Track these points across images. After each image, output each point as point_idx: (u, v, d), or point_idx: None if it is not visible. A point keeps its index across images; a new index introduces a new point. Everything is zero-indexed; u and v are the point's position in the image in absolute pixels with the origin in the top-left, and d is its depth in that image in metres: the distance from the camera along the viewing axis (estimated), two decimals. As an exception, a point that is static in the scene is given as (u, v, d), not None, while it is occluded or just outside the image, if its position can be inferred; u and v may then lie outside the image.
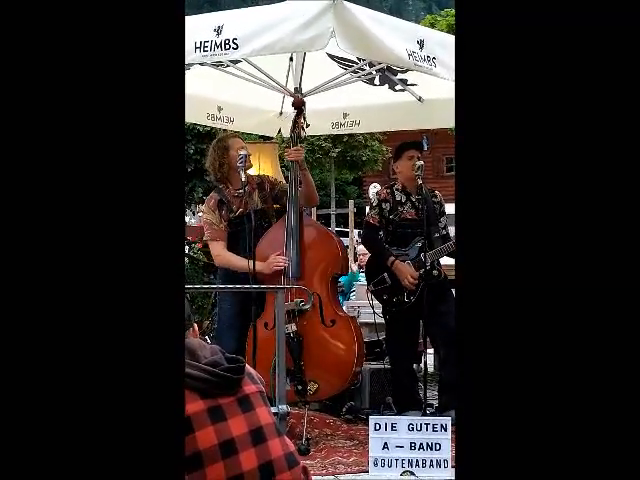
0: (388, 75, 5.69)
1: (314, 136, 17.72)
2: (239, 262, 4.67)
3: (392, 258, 4.93)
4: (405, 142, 5.19)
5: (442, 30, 20.76)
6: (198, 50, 4.05)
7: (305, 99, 5.44)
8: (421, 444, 3.90)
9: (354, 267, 9.08)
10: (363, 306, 5.95)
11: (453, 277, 4.93)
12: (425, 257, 4.76)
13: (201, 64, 4.82)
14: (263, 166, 6.05)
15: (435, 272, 4.94)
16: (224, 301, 4.98)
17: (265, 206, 4.89)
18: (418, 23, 16.94)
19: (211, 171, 4.92)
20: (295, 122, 4.79)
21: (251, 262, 4.47)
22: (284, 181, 5.10)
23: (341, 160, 24.12)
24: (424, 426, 3.92)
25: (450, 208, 4.94)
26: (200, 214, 4.99)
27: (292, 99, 5.03)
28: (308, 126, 4.86)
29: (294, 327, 4.57)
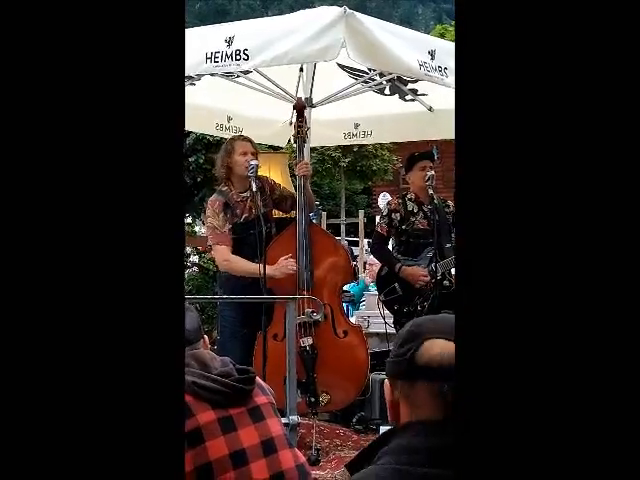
0: (398, 85, 5.70)
1: (324, 146, 17.72)
2: (249, 266, 4.45)
3: (399, 265, 4.92)
4: (416, 152, 5.19)
5: (452, 40, 20.76)
6: (209, 61, 4.06)
7: (316, 109, 5.46)
8: (431, 455, 3.87)
9: (368, 279, 9.06)
10: (373, 316, 5.95)
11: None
12: (436, 267, 4.75)
13: (211, 75, 4.84)
14: (273, 176, 6.06)
15: (446, 282, 4.93)
16: (227, 309, 4.74)
17: (267, 210, 4.69)
18: (428, 33, 17.00)
19: (216, 170, 4.77)
20: (298, 126, 4.70)
21: (262, 267, 4.31)
22: (293, 190, 5.02)
23: (351, 170, 24.15)
24: (434, 437, 3.89)
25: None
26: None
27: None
28: (308, 129, 4.80)
29: (310, 340, 4.49)
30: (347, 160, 23.44)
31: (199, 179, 9.63)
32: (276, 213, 5.06)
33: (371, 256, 8.35)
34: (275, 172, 6.29)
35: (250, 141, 4.76)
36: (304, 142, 4.73)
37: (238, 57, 3.97)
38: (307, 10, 4.37)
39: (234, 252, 4.58)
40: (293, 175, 5.02)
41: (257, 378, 2.15)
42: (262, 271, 4.30)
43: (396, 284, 4.97)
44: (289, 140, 6.21)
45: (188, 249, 8.99)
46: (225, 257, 4.60)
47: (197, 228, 11.51)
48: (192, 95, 5.04)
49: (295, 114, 4.73)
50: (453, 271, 5.03)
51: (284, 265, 4.49)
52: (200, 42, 4.08)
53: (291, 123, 5.97)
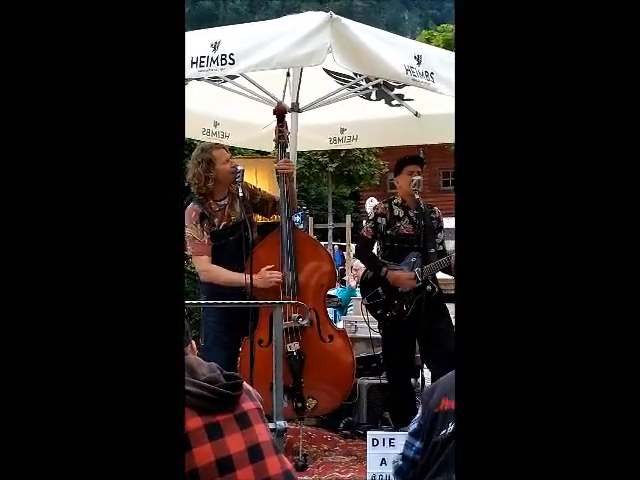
0: (384, 90, 5.71)
1: (311, 151, 17.73)
2: (230, 276, 4.45)
3: (385, 269, 4.91)
4: (405, 157, 5.18)
5: (438, 45, 20.89)
6: (195, 65, 4.06)
7: (303, 114, 5.46)
8: (419, 460, 3.87)
9: (352, 282, 9.05)
10: (360, 321, 5.93)
11: (450, 291, 4.92)
12: (421, 272, 4.75)
13: (198, 79, 4.82)
14: (260, 181, 6.05)
15: (429, 287, 4.92)
16: (210, 316, 4.69)
17: (248, 216, 4.60)
18: (414, 38, 17.04)
19: (195, 185, 4.62)
20: (280, 131, 4.64)
21: (244, 276, 4.31)
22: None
23: (338, 175, 24.18)
24: (422, 442, 3.89)
25: (447, 222, 4.95)
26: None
27: (289, 114, 4.99)
28: (289, 134, 4.77)
29: (297, 346, 4.49)
30: (334, 165, 23.46)
31: (186, 184, 9.60)
32: (259, 218, 5.03)
33: (357, 260, 8.34)
34: (262, 177, 6.28)
35: (224, 147, 4.73)
36: (285, 147, 4.70)
37: (224, 62, 3.96)
38: (293, 15, 4.37)
39: (213, 259, 4.55)
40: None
41: (244, 384, 2.14)
42: (248, 278, 4.27)
43: (379, 288, 4.95)
44: (276, 145, 6.20)
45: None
46: (205, 268, 4.59)
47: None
48: (178, 100, 5.01)
49: (275, 119, 4.69)
50: (438, 275, 5.04)
51: (268, 277, 4.48)
52: (186, 47, 4.06)
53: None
